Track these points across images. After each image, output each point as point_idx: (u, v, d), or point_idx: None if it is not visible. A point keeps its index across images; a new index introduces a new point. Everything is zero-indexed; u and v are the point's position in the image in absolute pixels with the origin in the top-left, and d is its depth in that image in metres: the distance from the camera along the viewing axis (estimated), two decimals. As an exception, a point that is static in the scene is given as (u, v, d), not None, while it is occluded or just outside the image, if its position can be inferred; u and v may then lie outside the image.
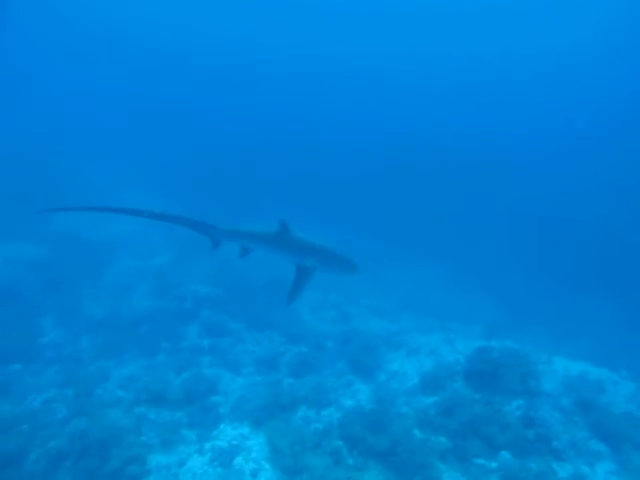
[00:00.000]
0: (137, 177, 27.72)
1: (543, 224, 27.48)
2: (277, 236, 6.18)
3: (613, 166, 31.96)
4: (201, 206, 18.95)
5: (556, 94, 44.83)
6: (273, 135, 38.82)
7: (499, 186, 31.90)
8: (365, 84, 49.78)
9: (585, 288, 20.92)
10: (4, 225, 16.87)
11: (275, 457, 8.28)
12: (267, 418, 9.53)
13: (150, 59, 54.46)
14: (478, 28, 46.07)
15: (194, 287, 15.39)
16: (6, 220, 16.97)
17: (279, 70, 52.60)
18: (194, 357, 11.92)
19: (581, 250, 24.60)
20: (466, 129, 40.26)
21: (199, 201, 21.42)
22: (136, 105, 44.91)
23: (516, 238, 25.62)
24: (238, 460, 8.17)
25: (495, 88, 47.85)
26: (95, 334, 12.64)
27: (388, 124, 41.94)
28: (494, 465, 8.04)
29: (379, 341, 13.04)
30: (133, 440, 8.47)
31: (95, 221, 17.77)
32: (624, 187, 29.09)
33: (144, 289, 15.83)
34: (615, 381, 10.55)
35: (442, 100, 46.83)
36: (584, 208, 27.36)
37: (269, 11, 49.93)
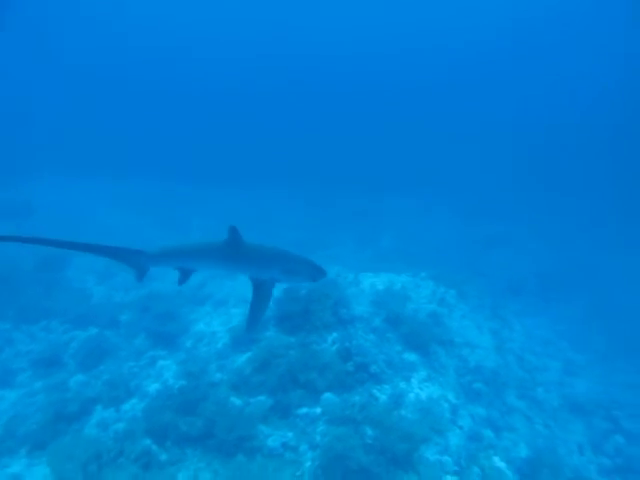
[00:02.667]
0: None
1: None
2: (226, 247, 4.92)
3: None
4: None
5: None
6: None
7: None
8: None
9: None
10: None
11: (60, 493, 6.64)
12: (51, 438, 7.69)
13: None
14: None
15: None
16: None
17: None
18: None
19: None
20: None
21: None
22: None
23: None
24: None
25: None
26: None
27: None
28: (319, 411, 7.66)
29: (181, 300, 11.66)
30: None
31: None
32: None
33: None
34: (417, 284, 11.07)
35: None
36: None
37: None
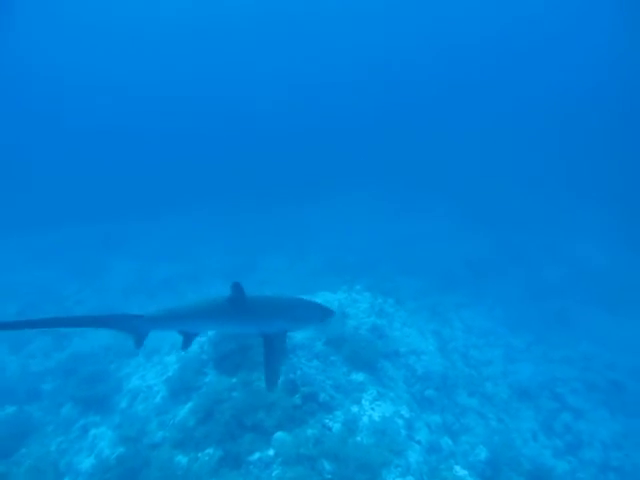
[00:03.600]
0: None
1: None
2: (231, 305, 4.71)
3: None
4: None
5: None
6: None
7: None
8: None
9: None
10: None
11: None
12: None
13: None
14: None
15: None
16: None
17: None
18: None
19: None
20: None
21: None
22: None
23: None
24: None
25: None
26: None
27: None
28: (271, 453, 7.27)
29: (109, 355, 10.84)
30: None
31: None
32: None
33: None
34: (354, 299, 10.95)
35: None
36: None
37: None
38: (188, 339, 5.03)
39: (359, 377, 8.52)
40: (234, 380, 8.44)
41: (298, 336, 9.25)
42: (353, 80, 52.70)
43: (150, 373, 9.78)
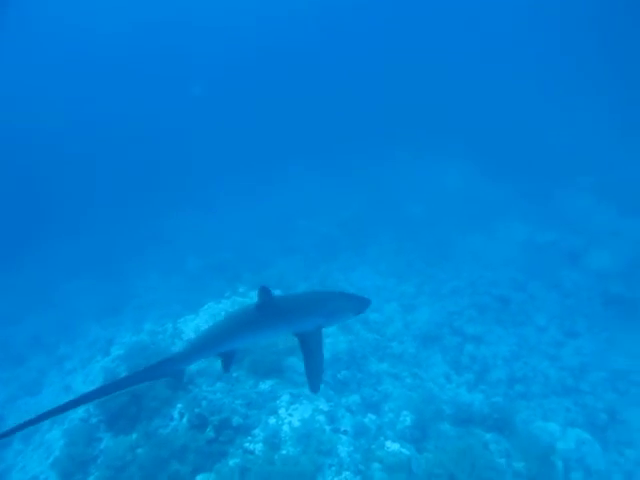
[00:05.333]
0: None
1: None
2: (261, 312, 4.55)
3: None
4: None
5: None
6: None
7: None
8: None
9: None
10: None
11: None
12: None
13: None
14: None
15: None
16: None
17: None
18: None
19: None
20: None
21: None
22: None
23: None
24: None
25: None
26: None
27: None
28: (197, 501, 6.65)
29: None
30: None
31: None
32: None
33: None
34: (237, 303, 10.39)
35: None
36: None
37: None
38: (227, 359, 4.76)
39: (268, 385, 8.10)
40: (134, 436, 7.56)
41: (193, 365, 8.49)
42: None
43: (32, 461, 8.44)
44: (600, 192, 19.61)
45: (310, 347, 4.63)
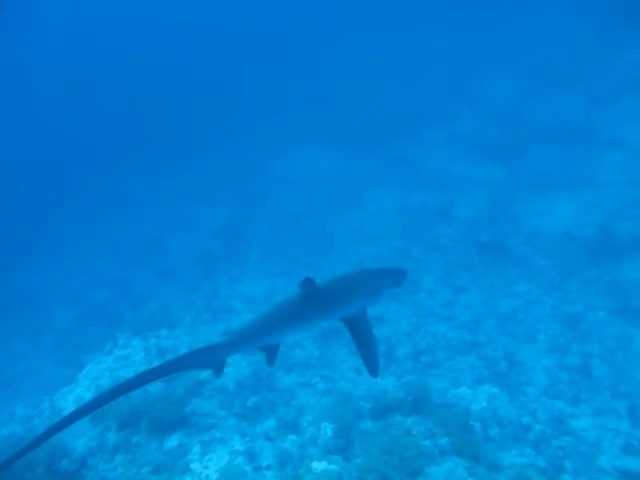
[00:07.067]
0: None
1: None
2: (306, 303, 4.36)
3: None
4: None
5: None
6: None
7: None
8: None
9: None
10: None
11: None
12: None
13: None
14: None
15: None
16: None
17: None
18: None
19: None
20: None
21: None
22: None
23: None
24: None
25: None
26: None
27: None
28: None
29: None
30: None
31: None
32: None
33: None
34: (125, 357, 9.46)
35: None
36: None
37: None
38: (272, 353, 4.62)
39: (174, 441, 7.43)
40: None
41: (79, 443, 7.51)
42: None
43: None
44: (450, 144, 21.07)
45: (359, 330, 4.65)
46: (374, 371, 4.64)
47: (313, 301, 4.45)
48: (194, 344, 9.87)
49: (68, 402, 8.64)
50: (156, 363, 9.24)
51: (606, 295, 11.60)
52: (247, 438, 7.49)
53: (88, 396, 8.29)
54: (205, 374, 8.75)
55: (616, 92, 20.26)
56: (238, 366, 9.03)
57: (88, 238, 21.43)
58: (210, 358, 4.38)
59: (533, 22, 27.69)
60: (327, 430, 7.53)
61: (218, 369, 4.49)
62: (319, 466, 6.73)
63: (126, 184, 24.69)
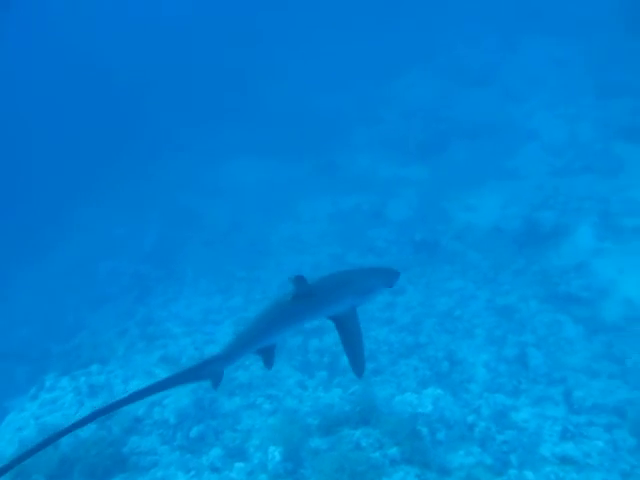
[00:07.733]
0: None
1: None
2: (297, 302, 4.37)
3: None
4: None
5: None
6: None
7: None
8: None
9: None
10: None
11: None
12: None
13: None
14: None
15: None
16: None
17: None
18: None
19: None
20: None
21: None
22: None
23: None
24: None
25: None
26: None
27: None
28: None
29: None
30: None
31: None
32: None
33: None
34: (53, 401, 8.81)
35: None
36: None
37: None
38: (269, 354, 4.57)
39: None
40: None
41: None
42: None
43: None
44: (376, 145, 21.39)
45: (348, 329, 4.67)
46: (359, 372, 4.68)
47: (305, 301, 4.48)
48: (129, 378, 9.38)
49: (-11, 458, 7.93)
50: (88, 402, 8.76)
51: (536, 284, 12.16)
52: (192, 472, 7.17)
53: (10, 451, 7.59)
54: (142, 409, 8.31)
55: (527, 88, 21.42)
56: (178, 395, 8.65)
57: (5, 268, 19.98)
58: (208, 371, 4.32)
59: (448, 20, 28.62)
60: (275, 454, 7.33)
61: (217, 381, 4.45)
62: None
63: (47, 204, 23.15)
